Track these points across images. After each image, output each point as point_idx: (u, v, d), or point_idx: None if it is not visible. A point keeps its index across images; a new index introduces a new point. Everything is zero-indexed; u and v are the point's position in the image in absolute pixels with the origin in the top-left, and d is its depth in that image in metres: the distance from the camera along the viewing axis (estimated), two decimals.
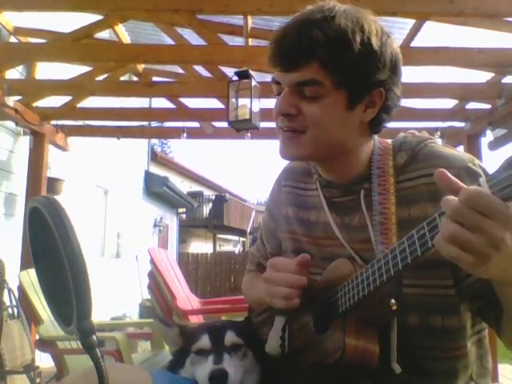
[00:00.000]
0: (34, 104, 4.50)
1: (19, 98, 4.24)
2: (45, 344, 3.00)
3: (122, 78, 5.05)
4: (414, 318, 0.92)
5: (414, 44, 3.54)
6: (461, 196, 0.64)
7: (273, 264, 0.99)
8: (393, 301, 0.86)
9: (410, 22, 3.51)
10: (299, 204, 1.13)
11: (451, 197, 0.65)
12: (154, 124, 5.34)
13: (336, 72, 0.89)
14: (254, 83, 3.34)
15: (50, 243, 0.65)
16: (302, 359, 1.02)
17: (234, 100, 3.43)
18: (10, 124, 4.50)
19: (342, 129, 0.95)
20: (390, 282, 0.80)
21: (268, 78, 4.48)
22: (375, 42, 0.90)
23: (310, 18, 0.90)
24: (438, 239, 0.67)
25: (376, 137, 1.05)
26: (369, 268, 0.84)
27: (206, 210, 17.61)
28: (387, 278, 0.79)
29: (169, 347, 1.13)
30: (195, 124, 5.25)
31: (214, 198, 18.13)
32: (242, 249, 21.09)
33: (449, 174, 0.67)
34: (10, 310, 3.37)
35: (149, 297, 5.14)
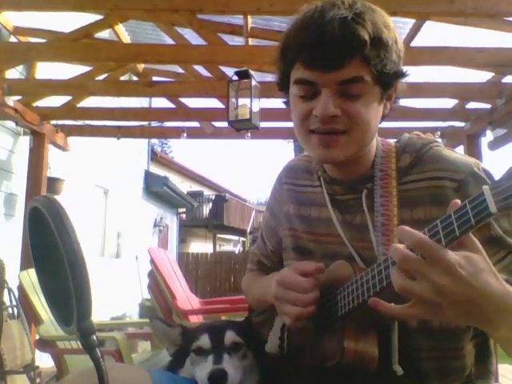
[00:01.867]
0: (34, 104, 4.50)
1: (19, 97, 4.24)
2: (45, 344, 3.00)
3: (122, 78, 5.05)
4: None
5: (414, 44, 3.54)
6: (408, 241, 0.69)
7: (281, 282, 0.97)
8: (392, 305, 0.86)
9: (410, 22, 3.51)
10: (300, 201, 1.13)
11: (399, 245, 0.70)
12: (154, 124, 5.34)
13: (376, 68, 0.89)
14: (254, 83, 3.34)
15: (49, 243, 0.65)
16: (301, 360, 1.02)
17: (233, 100, 3.43)
18: (10, 124, 4.50)
19: (376, 125, 0.96)
20: (389, 287, 0.80)
21: (268, 77, 4.49)
22: (397, 36, 0.92)
23: (340, 13, 0.87)
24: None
25: (378, 138, 1.06)
26: (369, 272, 0.83)
27: (206, 209, 17.61)
28: (387, 284, 0.78)
29: (166, 348, 1.12)
30: (195, 124, 5.25)
31: (213, 197, 18.13)
32: (241, 249, 21.09)
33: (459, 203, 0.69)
34: (10, 310, 3.37)
35: (149, 297, 5.15)
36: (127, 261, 8.35)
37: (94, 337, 0.65)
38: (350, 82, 0.89)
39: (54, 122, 4.81)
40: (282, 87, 1.02)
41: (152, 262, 4.07)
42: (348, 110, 0.90)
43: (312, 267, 0.94)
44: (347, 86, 0.89)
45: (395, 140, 1.06)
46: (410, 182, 0.96)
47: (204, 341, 1.03)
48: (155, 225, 10.89)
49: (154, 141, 18.17)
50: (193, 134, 5.24)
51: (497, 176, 0.67)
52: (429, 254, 0.66)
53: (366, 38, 0.86)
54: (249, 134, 4.42)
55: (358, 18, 0.87)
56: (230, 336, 1.04)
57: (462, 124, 4.91)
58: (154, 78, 5.10)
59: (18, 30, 4.32)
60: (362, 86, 0.89)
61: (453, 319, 0.71)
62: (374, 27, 0.88)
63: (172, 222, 12.80)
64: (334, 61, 0.87)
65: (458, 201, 0.69)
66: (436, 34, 3.88)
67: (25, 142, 4.75)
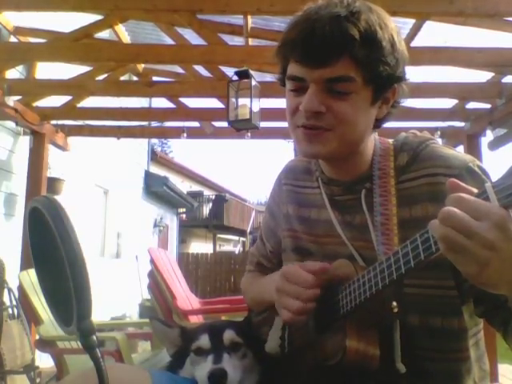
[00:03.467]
0: (34, 104, 4.50)
1: (19, 97, 4.24)
2: (45, 344, 2.99)
3: (122, 78, 5.05)
4: (413, 318, 0.92)
5: (413, 44, 3.54)
6: (448, 202, 0.64)
7: (285, 274, 0.95)
8: (394, 303, 0.86)
9: (409, 22, 3.51)
10: (299, 202, 1.12)
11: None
12: (154, 124, 5.34)
13: (367, 68, 0.88)
14: (254, 83, 3.34)
15: (50, 243, 0.65)
16: (302, 360, 1.02)
17: (233, 100, 3.43)
18: (10, 124, 4.50)
19: (366, 126, 0.95)
20: (392, 285, 0.80)
21: (268, 77, 4.49)
22: (397, 39, 0.91)
23: (335, 11, 0.87)
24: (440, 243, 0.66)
25: (376, 136, 1.05)
26: (371, 271, 0.83)
27: (206, 210, 17.61)
28: (390, 282, 0.78)
29: (166, 349, 1.13)
30: (195, 124, 5.24)
31: (214, 197, 18.13)
32: (241, 249, 21.08)
33: (460, 183, 0.66)
34: (10, 310, 3.37)
35: (149, 297, 5.14)
36: (127, 261, 8.35)
37: (94, 337, 0.65)
38: (337, 81, 0.89)
39: (54, 121, 4.81)
40: (282, 83, 1.03)
41: (152, 261, 4.07)
42: (334, 107, 0.90)
43: (317, 266, 0.93)
44: (334, 84, 0.89)
45: (393, 139, 1.06)
46: (407, 180, 0.96)
47: (204, 341, 1.03)
48: (155, 225, 10.89)
49: (154, 141, 18.15)
50: (193, 134, 5.24)
51: (495, 175, 0.66)
52: (472, 208, 0.62)
53: (356, 37, 0.85)
54: (249, 134, 4.42)
55: (351, 17, 0.87)
56: (229, 336, 1.04)
57: (462, 124, 4.91)
58: (154, 78, 5.10)
59: (18, 30, 4.32)
60: (349, 85, 0.89)
61: (493, 281, 0.66)
62: (367, 27, 0.87)
63: (172, 222, 12.80)
64: (321, 58, 0.87)
65: (455, 180, 0.67)
66: (436, 34, 3.87)
67: (25, 142, 4.75)
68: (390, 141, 1.05)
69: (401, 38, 0.94)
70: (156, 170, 11.86)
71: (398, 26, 0.97)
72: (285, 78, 0.98)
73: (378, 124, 1.00)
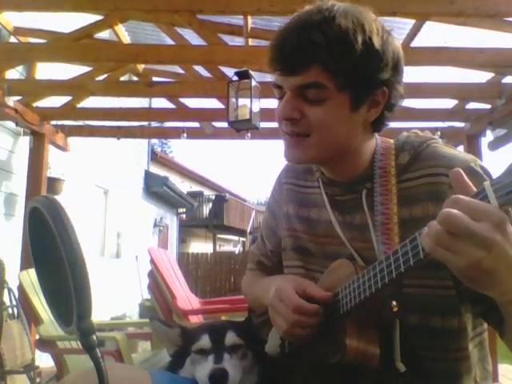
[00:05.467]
0: (34, 104, 4.50)
1: (19, 98, 4.24)
2: (45, 344, 2.99)
3: (122, 78, 5.05)
4: (414, 318, 0.92)
5: (414, 44, 3.54)
6: (446, 204, 0.65)
7: (278, 292, 0.98)
8: (394, 302, 0.86)
9: (409, 22, 3.51)
10: (300, 201, 1.13)
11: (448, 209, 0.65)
12: (154, 124, 5.34)
13: (339, 74, 0.88)
14: (254, 83, 3.34)
15: (49, 243, 0.65)
16: (302, 359, 1.02)
17: (234, 100, 3.43)
18: (10, 124, 4.50)
19: (347, 130, 0.94)
20: (391, 284, 0.80)
21: (268, 77, 4.48)
22: (377, 42, 0.89)
23: (309, 19, 0.89)
24: (425, 240, 0.67)
25: (378, 136, 1.05)
26: (370, 270, 0.83)
27: (206, 210, 17.61)
28: (389, 281, 0.79)
29: (166, 348, 1.13)
30: (195, 124, 5.24)
31: (214, 198, 18.13)
32: (241, 249, 21.08)
33: (464, 176, 0.67)
34: (10, 310, 3.37)
35: (149, 297, 5.15)
36: (127, 261, 8.35)
37: (94, 337, 0.65)
38: (308, 87, 0.90)
39: (53, 122, 4.81)
40: None
41: (152, 262, 4.07)
42: (307, 114, 0.92)
43: (319, 294, 0.94)
44: (306, 91, 0.91)
45: (394, 139, 1.06)
46: (408, 179, 0.96)
47: (204, 341, 1.04)
48: (155, 225, 10.89)
49: (154, 141, 18.12)
50: (193, 134, 5.24)
51: (495, 175, 0.67)
52: (471, 209, 0.63)
53: (323, 44, 0.86)
54: (249, 135, 4.42)
55: (323, 24, 0.87)
56: (230, 336, 1.04)
57: (462, 124, 4.91)
58: (154, 79, 5.10)
59: (18, 31, 4.32)
60: (321, 91, 0.89)
61: (484, 282, 0.67)
62: (338, 33, 0.86)
63: (172, 222, 12.80)
64: (292, 66, 0.90)
65: (459, 170, 0.69)
66: (436, 34, 3.88)
67: (25, 142, 4.75)
68: (392, 140, 1.05)
69: (389, 39, 0.92)
70: (156, 169, 11.87)
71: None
72: None
73: (375, 127, 0.99)
